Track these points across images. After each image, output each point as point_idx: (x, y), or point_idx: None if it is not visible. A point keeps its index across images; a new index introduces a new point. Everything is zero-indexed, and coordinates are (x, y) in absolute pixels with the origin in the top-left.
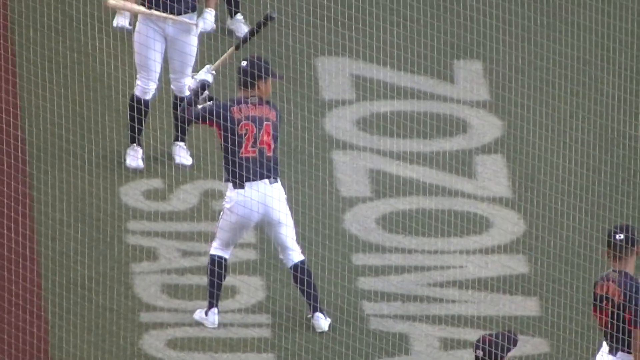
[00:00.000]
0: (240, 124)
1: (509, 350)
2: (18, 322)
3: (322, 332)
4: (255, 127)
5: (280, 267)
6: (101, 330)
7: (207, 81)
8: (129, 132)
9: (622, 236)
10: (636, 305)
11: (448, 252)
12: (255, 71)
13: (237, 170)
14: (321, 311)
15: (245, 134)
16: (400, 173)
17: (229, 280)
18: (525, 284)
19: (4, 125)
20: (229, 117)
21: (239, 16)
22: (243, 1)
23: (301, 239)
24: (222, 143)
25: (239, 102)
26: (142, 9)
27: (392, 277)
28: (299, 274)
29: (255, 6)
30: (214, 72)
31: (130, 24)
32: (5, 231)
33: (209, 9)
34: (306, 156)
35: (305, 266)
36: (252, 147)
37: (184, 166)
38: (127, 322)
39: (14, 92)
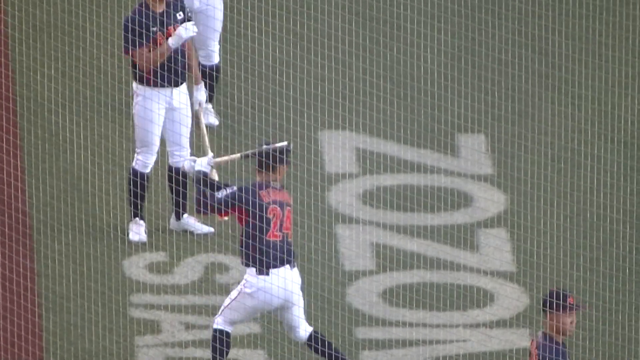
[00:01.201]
0: (269, 208)
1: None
2: None
3: None
4: (281, 211)
5: (283, 340)
6: None
7: (205, 172)
8: (130, 206)
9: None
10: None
11: (451, 325)
12: (282, 156)
13: (260, 256)
14: None
15: (273, 218)
16: (403, 247)
17: (232, 353)
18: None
19: (6, 198)
20: (257, 202)
21: (209, 106)
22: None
23: (305, 313)
24: (245, 228)
25: (264, 186)
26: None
27: (396, 351)
28: (317, 345)
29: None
30: (213, 164)
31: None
32: (9, 305)
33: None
34: (310, 230)
35: (319, 334)
36: (278, 231)
37: (198, 233)
38: None
39: (18, 167)
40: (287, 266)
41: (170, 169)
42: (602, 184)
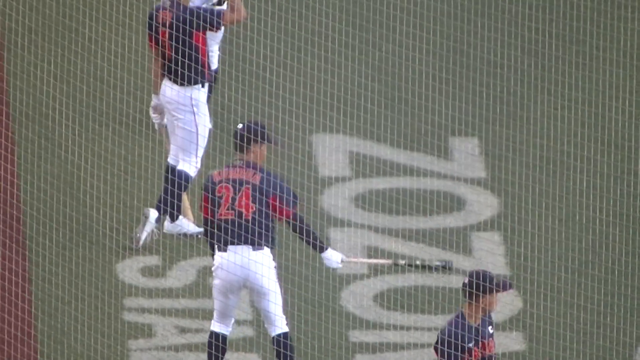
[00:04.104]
0: (217, 187)
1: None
2: None
3: None
4: (234, 189)
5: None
6: None
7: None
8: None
9: (466, 280)
10: (442, 346)
11: None
12: (250, 135)
13: (217, 234)
14: None
15: (222, 197)
16: (396, 250)
17: (226, 357)
18: None
19: (0, 202)
20: (210, 185)
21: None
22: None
23: (297, 317)
24: (204, 205)
25: (226, 166)
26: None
27: (389, 355)
28: (278, 348)
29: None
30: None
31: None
32: (5, 307)
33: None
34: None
35: (287, 340)
36: (228, 210)
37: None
38: None
39: (13, 170)
40: (249, 246)
41: (167, 169)
42: (594, 186)
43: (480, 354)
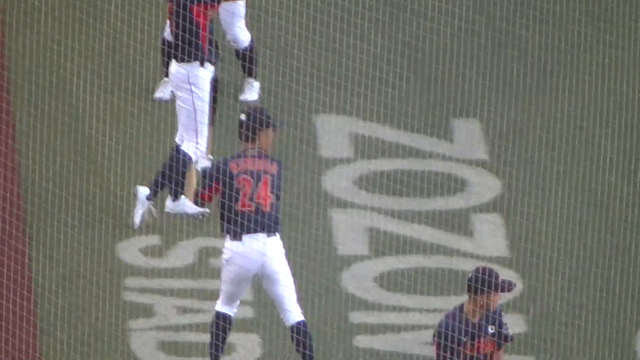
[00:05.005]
0: (238, 178)
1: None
2: None
3: None
4: (253, 181)
5: (277, 324)
6: None
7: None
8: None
9: (470, 276)
10: (439, 339)
11: (446, 310)
12: (256, 124)
13: (234, 226)
14: None
15: (242, 188)
16: (398, 231)
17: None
18: (523, 343)
19: (2, 181)
20: (227, 174)
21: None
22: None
23: (298, 298)
24: (220, 198)
25: (237, 156)
26: None
27: (389, 336)
28: (298, 336)
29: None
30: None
31: (169, 96)
32: (4, 287)
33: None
34: (305, 214)
35: (306, 328)
36: (249, 201)
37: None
38: None
39: (12, 147)
40: (264, 234)
41: (172, 148)
42: (596, 168)
43: (470, 351)
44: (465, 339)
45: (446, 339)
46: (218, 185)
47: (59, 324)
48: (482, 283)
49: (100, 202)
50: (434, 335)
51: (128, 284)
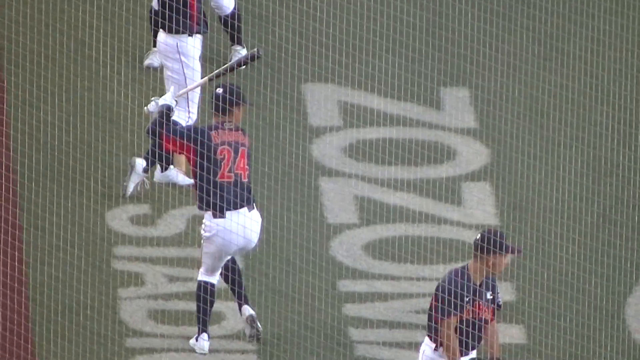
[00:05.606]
0: (219, 149)
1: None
2: (5, 344)
3: (306, 356)
4: (232, 152)
5: (265, 293)
6: (89, 355)
7: (169, 106)
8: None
9: (478, 236)
10: (442, 293)
11: (434, 279)
12: (234, 98)
13: (213, 200)
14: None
15: (223, 159)
16: (387, 200)
17: (216, 306)
18: (511, 311)
19: None
20: (206, 143)
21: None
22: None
23: (287, 265)
24: (197, 169)
25: (215, 127)
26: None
27: (378, 304)
28: (228, 273)
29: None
30: (177, 99)
31: (157, 63)
32: None
33: None
34: (293, 182)
35: (236, 265)
36: (229, 172)
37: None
38: (114, 347)
39: (3, 120)
40: (245, 209)
41: None
42: (587, 138)
43: (471, 313)
44: (467, 297)
45: (449, 293)
46: (189, 149)
47: (49, 292)
48: (493, 244)
49: (88, 170)
50: (437, 289)
51: (118, 252)
